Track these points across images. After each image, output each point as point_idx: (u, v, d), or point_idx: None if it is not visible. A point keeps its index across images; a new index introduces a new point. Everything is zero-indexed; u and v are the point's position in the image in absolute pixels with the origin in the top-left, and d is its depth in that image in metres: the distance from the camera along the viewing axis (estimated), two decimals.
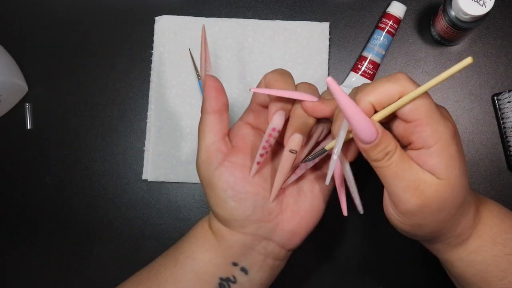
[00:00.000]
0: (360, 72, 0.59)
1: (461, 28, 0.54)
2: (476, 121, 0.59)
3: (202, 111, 0.42)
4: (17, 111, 0.61)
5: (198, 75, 0.59)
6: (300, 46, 0.60)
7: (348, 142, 0.39)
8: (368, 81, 0.59)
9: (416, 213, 0.37)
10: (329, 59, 0.60)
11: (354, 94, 0.38)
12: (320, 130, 0.41)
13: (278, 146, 0.43)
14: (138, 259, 0.58)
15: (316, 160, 0.41)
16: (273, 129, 0.39)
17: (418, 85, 0.35)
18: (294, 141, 0.39)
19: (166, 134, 0.59)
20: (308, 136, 0.40)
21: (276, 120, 0.39)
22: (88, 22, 0.62)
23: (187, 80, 0.60)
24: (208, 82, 0.42)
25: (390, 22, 0.59)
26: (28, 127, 0.60)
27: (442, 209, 0.37)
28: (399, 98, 0.35)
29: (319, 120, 0.41)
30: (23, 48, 0.61)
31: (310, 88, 0.41)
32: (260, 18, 0.61)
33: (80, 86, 0.61)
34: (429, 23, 0.60)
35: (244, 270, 0.42)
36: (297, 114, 0.39)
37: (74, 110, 0.61)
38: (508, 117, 0.57)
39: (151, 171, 0.58)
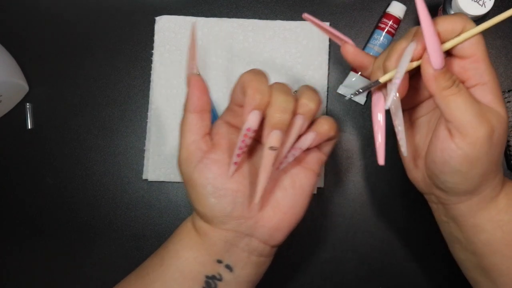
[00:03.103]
0: (360, 72, 0.59)
1: None
2: None
3: (184, 110, 0.43)
4: (17, 111, 0.61)
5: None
6: (300, 46, 0.60)
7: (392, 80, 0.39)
8: (368, 80, 0.59)
9: (484, 142, 0.38)
10: (329, 59, 0.60)
11: (410, 34, 0.39)
12: (299, 122, 0.41)
13: (254, 142, 0.43)
14: (139, 258, 0.58)
15: (297, 153, 0.41)
16: (248, 129, 0.39)
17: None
18: (273, 138, 0.39)
19: (167, 134, 0.59)
20: (287, 131, 0.40)
21: (251, 120, 0.39)
22: (88, 22, 0.62)
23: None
24: (192, 81, 0.42)
25: (390, 22, 0.59)
26: (29, 127, 0.61)
27: (496, 144, 0.39)
28: (459, 34, 0.38)
29: (296, 114, 0.41)
30: (23, 48, 0.61)
31: (284, 87, 0.41)
32: (260, 18, 0.61)
33: (81, 86, 0.61)
34: None
35: (229, 268, 0.42)
36: (273, 110, 0.39)
37: (75, 110, 0.61)
38: (508, 117, 0.57)
39: (151, 171, 0.59)
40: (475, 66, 0.38)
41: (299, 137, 0.41)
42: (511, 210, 0.41)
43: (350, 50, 0.41)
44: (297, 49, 0.60)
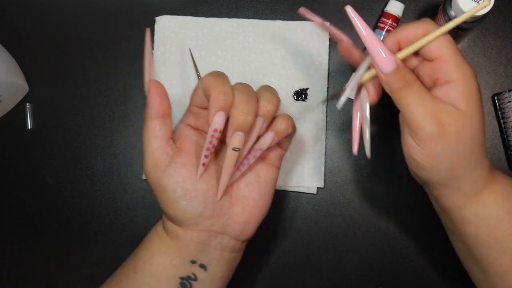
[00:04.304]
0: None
1: (461, 28, 0.54)
2: None
3: (146, 117, 0.43)
4: (17, 111, 0.61)
5: (198, 75, 0.59)
6: (300, 46, 0.60)
7: (369, 84, 0.42)
8: None
9: (436, 140, 0.39)
10: (329, 59, 0.60)
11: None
12: (260, 124, 0.42)
13: (219, 143, 0.44)
14: None
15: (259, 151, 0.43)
16: (215, 130, 0.40)
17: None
18: (236, 139, 0.40)
19: None
20: (249, 132, 0.41)
21: (217, 121, 0.40)
22: (88, 22, 0.62)
23: (187, 80, 0.60)
24: (152, 87, 0.43)
25: (389, 21, 0.59)
26: (29, 127, 0.61)
27: (460, 140, 0.39)
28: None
29: (257, 116, 0.42)
30: (23, 48, 0.61)
31: (246, 87, 0.42)
32: (260, 18, 0.61)
33: (81, 86, 0.61)
34: None
35: (203, 267, 0.43)
36: (237, 113, 0.40)
37: (75, 110, 0.61)
38: (509, 117, 0.57)
39: None
40: (444, 66, 0.39)
41: (259, 137, 0.42)
42: (498, 206, 0.42)
43: (344, 47, 0.43)
44: (297, 49, 0.60)
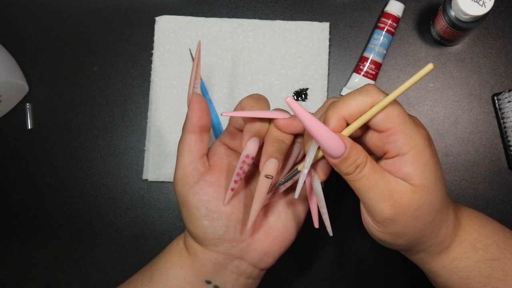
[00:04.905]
0: (362, 73, 0.59)
1: (461, 28, 0.54)
2: (476, 121, 0.59)
3: (183, 129, 0.42)
4: (17, 111, 0.61)
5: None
6: (300, 46, 0.60)
7: (318, 162, 0.39)
8: (371, 81, 0.59)
9: (393, 222, 0.37)
10: (329, 59, 0.60)
11: (327, 109, 0.38)
12: (296, 152, 0.41)
13: (252, 167, 0.43)
14: (138, 259, 0.58)
15: (289, 184, 0.41)
16: (247, 156, 0.39)
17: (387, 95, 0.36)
18: (269, 166, 0.38)
19: (166, 134, 0.59)
20: (284, 159, 0.40)
21: (250, 147, 0.39)
22: (88, 22, 0.62)
23: (187, 80, 0.60)
24: (194, 101, 0.42)
25: (389, 21, 0.59)
26: (29, 127, 0.61)
27: (419, 216, 0.37)
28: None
29: (294, 142, 0.41)
30: (23, 48, 0.61)
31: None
32: (260, 18, 0.61)
33: (81, 86, 0.61)
34: (429, 23, 0.60)
35: None
36: (271, 139, 0.39)
37: (75, 110, 0.61)
38: (508, 117, 0.57)
39: (151, 171, 0.59)
40: (393, 138, 0.36)
41: (295, 164, 0.41)
42: (466, 258, 0.40)
43: (282, 123, 0.39)
44: (297, 49, 0.60)
